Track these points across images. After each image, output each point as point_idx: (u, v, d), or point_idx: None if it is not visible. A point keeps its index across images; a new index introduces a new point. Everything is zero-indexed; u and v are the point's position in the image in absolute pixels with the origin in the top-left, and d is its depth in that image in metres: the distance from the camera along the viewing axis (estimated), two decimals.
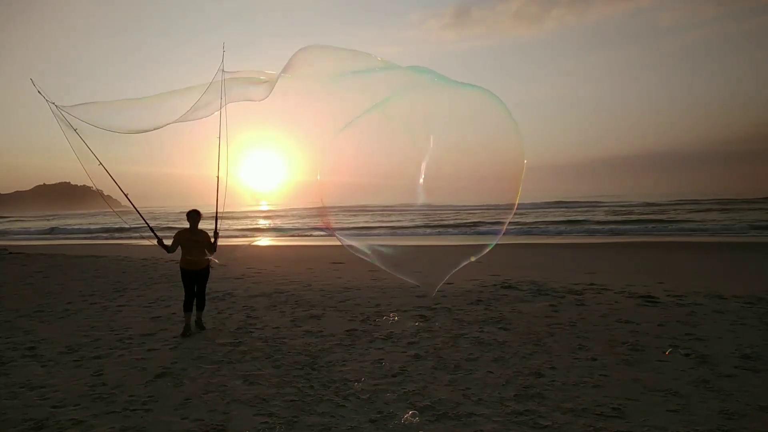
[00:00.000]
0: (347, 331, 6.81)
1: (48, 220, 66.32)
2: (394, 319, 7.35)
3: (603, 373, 4.99)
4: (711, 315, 7.20)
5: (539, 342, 6.09)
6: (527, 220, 34.33)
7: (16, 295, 10.25)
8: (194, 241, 6.74)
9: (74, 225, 49.14)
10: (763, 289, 9.02)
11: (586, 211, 41.80)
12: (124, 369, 5.43)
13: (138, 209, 6.37)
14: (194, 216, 6.81)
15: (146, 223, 6.47)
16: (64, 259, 16.68)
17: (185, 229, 6.83)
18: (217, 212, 6.54)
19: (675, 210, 39.95)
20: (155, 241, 6.50)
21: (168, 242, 6.65)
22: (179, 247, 6.81)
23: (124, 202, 6.77)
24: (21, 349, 6.29)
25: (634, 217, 34.02)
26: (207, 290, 7.49)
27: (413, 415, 4.10)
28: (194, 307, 7.02)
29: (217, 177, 6.42)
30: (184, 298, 6.95)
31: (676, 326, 6.66)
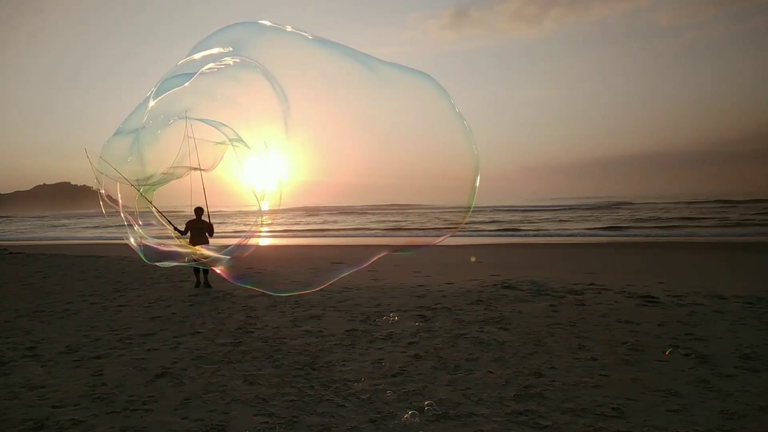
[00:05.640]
0: (347, 331, 6.81)
1: (48, 219, 66.16)
2: (394, 319, 7.35)
3: (603, 373, 4.99)
4: (711, 315, 7.20)
5: (539, 342, 6.09)
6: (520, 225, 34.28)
7: (16, 295, 10.26)
8: (199, 228, 9.98)
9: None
10: (763, 289, 9.02)
11: (584, 216, 41.72)
12: (124, 369, 5.43)
13: (157, 207, 7.70)
14: (199, 211, 10.01)
15: (164, 216, 8.00)
16: (64, 259, 16.69)
17: (193, 219, 10.04)
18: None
19: (674, 209, 39.96)
20: (173, 228, 8.42)
21: (181, 228, 9.38)
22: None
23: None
24: (21, 349, 6.29)
25: (637, 228, 32.65)
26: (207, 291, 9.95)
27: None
28: (201, 273, 10.50)
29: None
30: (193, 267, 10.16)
31: (676, 326, 6.66)
